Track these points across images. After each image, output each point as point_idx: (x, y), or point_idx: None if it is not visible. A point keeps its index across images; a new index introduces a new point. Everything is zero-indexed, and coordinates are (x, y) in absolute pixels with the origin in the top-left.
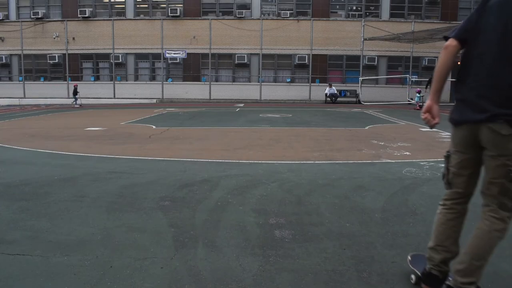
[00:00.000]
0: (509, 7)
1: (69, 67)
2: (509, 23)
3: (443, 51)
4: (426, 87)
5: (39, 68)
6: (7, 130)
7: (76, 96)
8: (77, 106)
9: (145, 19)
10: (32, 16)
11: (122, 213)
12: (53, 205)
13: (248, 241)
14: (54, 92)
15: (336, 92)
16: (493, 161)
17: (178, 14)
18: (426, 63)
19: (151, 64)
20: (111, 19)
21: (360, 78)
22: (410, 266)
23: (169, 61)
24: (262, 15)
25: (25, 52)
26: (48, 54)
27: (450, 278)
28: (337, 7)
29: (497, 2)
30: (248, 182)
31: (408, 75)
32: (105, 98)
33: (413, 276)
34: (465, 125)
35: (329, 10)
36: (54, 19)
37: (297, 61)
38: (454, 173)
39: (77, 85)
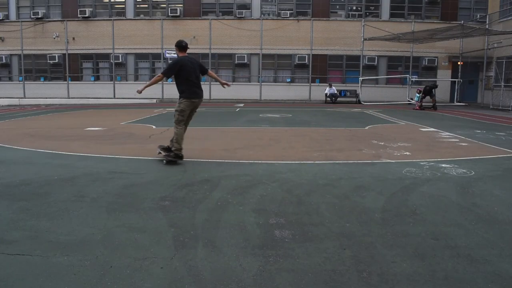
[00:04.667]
0: (189, 62)
1: (69, 67)
2: (193, 67)
3: (157, 77)
4: (422, 93)
5: (39, 68)
6: (7, 130)
7: None
8: None
9: (145, 19)
10: (32, 16)
11: (122, 213)
12: (53, 205)
13: (248, 241)
14: (54, 92)
15: (336, 92)
16: (194, 112)
17: (178, 14)
18: (426, 63)
19: (151, 64)
20: (111, 19)
21: (360, 78)
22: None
23: (169, 61)
24: (262, 15)
25: (25, 52)
26: (48, 54)
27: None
28: (337, 7)
29: (184, 60)
30: (248, 182)
31: (408, 75)
32: (105, 98)
33: (164, 159)
34: (193, 100)
35: (329, 10)
36: (54, 19)
37: (297, 61)
38: (184, 116)
39: None
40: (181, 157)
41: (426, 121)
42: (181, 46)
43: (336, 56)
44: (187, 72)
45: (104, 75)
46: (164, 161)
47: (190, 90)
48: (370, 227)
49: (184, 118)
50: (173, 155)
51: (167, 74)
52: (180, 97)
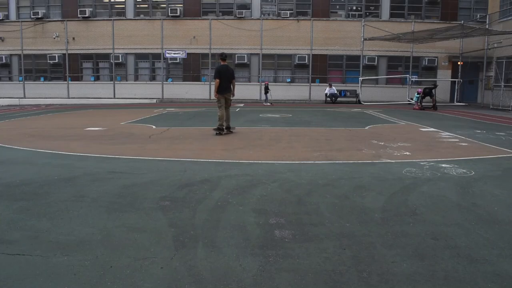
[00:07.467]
0: (225, 69)
1: (69, 67)
2: (227, 74)
3: (217, 82)
4: (422, 94)
5: (39, 68)
6: (7, 130)
7: (267, 95)
8: (268, 104)
9: (145, 19)
10: (32, 16)
11: (122, 213)
12: (53, 205)
13: (248, 241)
14: (54, 92)
15: (336, 92)
16: (228, 100)
17: (178, 14)
18: (426, 63)
19: (151, 64)
20: (111, 19)
21: (360, 78)
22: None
23: (169, 61)
24: (262, 15)
25: (25, 52)
26: (48, 54)
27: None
28: (337, 7)
29: (222, 68)
30: (248, 182)
31: (408, 75)
32: (105, 98)
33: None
34: (224, 94)
35: (329, 10)
36: (54, 19)
37: (297, 61)
38: (221, 103)
39: (268, 83)
40: (222, 129)
41: (426, 121)
42: (223, 57)
43: (336, 56)
44: (224, 76)
45: (104, 75)
46: (215, 133)
47: (222, 87)
48: (370, 227)
49: (222, 104)
50: (216, 128)
51: (217, 77)
52: (217, 92)
